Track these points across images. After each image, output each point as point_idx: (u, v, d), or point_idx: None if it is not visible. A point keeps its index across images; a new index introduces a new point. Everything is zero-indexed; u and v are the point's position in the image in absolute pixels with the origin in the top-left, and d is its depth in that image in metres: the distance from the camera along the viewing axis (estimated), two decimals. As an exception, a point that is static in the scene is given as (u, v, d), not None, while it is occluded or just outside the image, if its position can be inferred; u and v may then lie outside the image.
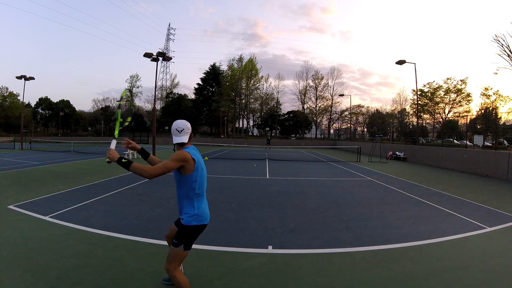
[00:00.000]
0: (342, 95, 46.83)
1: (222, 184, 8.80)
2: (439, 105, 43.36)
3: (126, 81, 64.73)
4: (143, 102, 66.59)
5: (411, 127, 39.03)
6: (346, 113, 52.80)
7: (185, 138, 2.40)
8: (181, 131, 2.40)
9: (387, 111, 56.91)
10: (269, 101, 56.95)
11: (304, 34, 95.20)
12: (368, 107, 59.42)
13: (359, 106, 55.97)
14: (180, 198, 2.37)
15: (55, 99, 58.30)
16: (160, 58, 20.49)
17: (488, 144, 19.96)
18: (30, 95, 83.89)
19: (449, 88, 41.98)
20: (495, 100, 39.33)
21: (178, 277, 2.37)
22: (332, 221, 5.15)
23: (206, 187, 2.45)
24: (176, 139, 2.39)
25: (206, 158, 11.78)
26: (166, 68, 62.10)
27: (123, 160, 2.13)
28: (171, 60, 59.59)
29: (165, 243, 3.84)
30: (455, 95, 41.81)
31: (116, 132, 2.46)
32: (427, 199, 7.13)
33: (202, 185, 2.38)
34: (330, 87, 54.18)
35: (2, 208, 5.41)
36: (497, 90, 39.16)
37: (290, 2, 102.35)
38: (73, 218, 4.85)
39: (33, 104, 58.25)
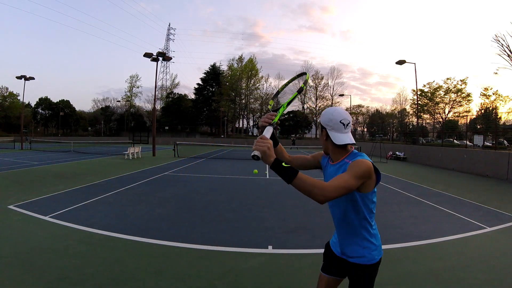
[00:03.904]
0: (342, 95, 46.87)
1: (222, 184, 8.80)
2: (439, 105, 43.38)
3: (126, 81, 64.98)
4: (143, 102, 66.84)
5: (411, 127, 39.03)
6: (346, 113, 52.77)
7: (351, 137, 1.56)
8: (347, 124, 1.55)
9: (387, 111, 56.95)
10: (269, 101, 56.97)
11: (303, 34, 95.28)
12: (368, 107, 59.48)
13: (359, 106, 56.09)
14: (351, 227, 1.59)
15: (55, 99, 58.44)
16: (160, 58, 20.51)
17: (488, 144, 19.94)
18: (30, 95, 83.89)
19: (449, 88, 42.01)
20: (495, 100, 39.36)
21: None
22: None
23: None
24: (343, 138, 1.51)
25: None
26: (166, 68, 62.16)
27: (283, 164, 1.32)
28: (171, 60, 59.57)
29: (164, 242, 3.85)
30: (455, 95, 41.83)
31: (276, 118, 1.52)
32: (427, 199, 7.13)
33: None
34: (330, 87, 54.26)
35: (2, 208, 5.41)
36: (497, 90, 39.23)
37: (290, 1, 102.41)
38: (73, 218, 4.85)
39: (33, 104, 58.31)
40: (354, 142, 1.58)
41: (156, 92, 24.69)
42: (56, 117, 54.18)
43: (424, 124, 44.98)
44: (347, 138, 1.52)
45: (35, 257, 3.32)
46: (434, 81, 44.53)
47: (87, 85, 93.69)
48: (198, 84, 57.74)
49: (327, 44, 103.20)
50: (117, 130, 58.41)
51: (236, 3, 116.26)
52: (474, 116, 34.65)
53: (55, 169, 11.55)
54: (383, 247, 4.18)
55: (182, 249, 3.68)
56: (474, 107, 42.11)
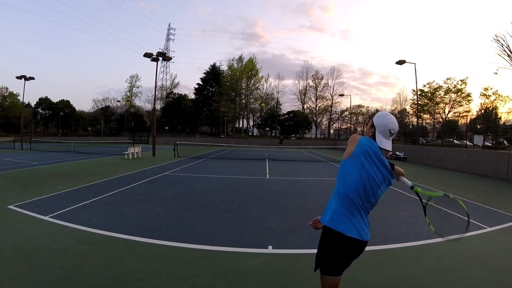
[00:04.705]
0: (342, 95, 46.84)
1: (222, 184, 8.80)
2: (439, 105, 43.39)
3: (126, 81, 64.91)
4: (143, 102, 66.65)
5: (411, 127, 39.06)
6: (346, 113, 52.82)
7: (390, 144, 1.90)
8: (393, 134, 1.87)
9: (387, 111, 56.90)
10: (269, 101, 56.97)
11: (303, 34, 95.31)
12: (368, 107, 59.43)
13: (359, 106, 56.01)
14: None
15: (55, 99, 58.38)
16: (160, 58, 20.52)
17: (488, 144, 19.95)
18: (30, 95, 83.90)
19: (449, 88, 42.00)
20: (495, 100, 39.37)
21: None
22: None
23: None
24: (384, 143, 1.85)
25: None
26: (166, 68, 62.15)
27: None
28: (171, 60, 59.56)
29: (164, 242, 3.86)
30: (455, 95, 41.82)
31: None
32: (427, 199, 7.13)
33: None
34: (330, 87, 54.23)
35: (2, 208, 5.41)
36: (497, 90, 39.24)
37: (290, 1, 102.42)
38: (73, 218, 4.84)
39: (33, 104, 58.30)
40: (391, 150, 1.89)
41: (156, 92, 24.70)
42: (56, 117, 54.17)
43: (424, 124, 45.07)
44: (387, 144, 1.84)
45: (35, 257, 3.32)
46: (434, 81, 44.56)
47: (87, 85, 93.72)
48: (198, 84, 57.75)
49: (327, 44, 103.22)
50: (117, 130, 58.41)
51: (236, 2, 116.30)
52: (474, 116, 34.70)
53: (55, 169, 11.55)
54: (383, 247, 4.12)
55: (182, 249, 3.68)
56: (474, 107, 42.18)
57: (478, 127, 28.98)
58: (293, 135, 56.56)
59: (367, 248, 3.76)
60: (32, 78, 26.63)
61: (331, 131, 57.10)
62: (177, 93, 60.50)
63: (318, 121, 56.69)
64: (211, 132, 58.75)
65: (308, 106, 55.38)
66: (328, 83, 54.24)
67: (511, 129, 24.16)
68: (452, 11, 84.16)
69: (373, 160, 1.78)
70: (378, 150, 1.82)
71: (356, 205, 1.78)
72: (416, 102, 31.72)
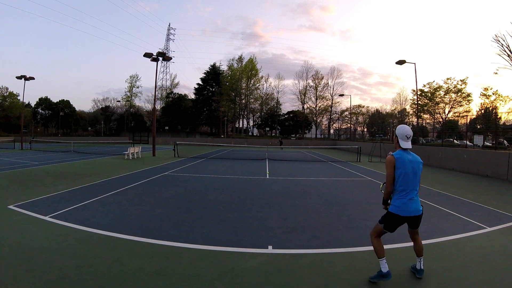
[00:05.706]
0: (342, 95, 46.82)
1: (222, 184, 8.80)
2: (439, 105, 43.32)
3: (126, 81, 64.92)
4: (143, 102, 66.62)
5: (411, 127, 38.94)
6: (346, 113, 52.81)
7: (410, 144, 2.91)
8: (409, 137, 2.90)
9: (387, 111, 56.86)
10: (269, 101, 56.99)
11: (303, 33, 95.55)
12: (368, 107, 59.42)
13: (359, 106, 55.99)
14: None
15: (55, 99, 58.39)
16: (160, 58, 20.50)
17: (488, 144, 19.95)
18: (30, 95, 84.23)
19: (449, 88, 41.96)
20: (495, 100, 39.33)
21: (373, 241, 3.07)
22: (332, 221, 5.15)
23: (413, 186, 2.97)
24: (406, 145, 2.89)
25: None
26: (166, 68, 62.16)
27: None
28: (171, 60, 59.56)
29: (164, 242, 3.86)
30: (455, 95, 41.78)
31: None
32: (427, 199, 7.13)
33: (403, 183, 2.88)
34: (330, 87, 54.20)
35: (2, 208, 5.41)
36: (497, 90, 39.20)
37: (289, 0, 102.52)
38: (73, 218, 4.85)
39: (33, 104, 58.28)
40: (411, 147, 2.93)
41: (156, 92, 24.70)
42: (56, 117, 54.11)
43: (424, 124, 45.04)
44: (407, 144, 2.90)
45: (35, 257, 3.32)
46: (434, 81, 44.51)
47: (87, 85, 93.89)
48: (198, 84, 57.69)
49: (327, 43, 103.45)
50: (117, 130, 58.39)
51: (236, 2, 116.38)
52: (474, 116, 34.67)
53: (55, 169, 11.55)
54: (384, 247, 4.07)
55: (182, 249, 3.68)
56: (474, 107, 42.10)
57: (478, 127, 28.96)
58: (293, 135, 56.52)
59: (367, 248, 3.79)
60: (32, 78, 26.61)
61: (331, 131, 57.09)
62: (177, 93, 60.50)
63: (318, 121, 56.67)
64: (211, 132, 58.72)
65: (308, 106, 55.37)
66: (328, 83, 54.25)
67: (511, 129, 24.16)
68: (452, 11, 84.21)
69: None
70: None
71: None
72: (416, 102, 31.70)
